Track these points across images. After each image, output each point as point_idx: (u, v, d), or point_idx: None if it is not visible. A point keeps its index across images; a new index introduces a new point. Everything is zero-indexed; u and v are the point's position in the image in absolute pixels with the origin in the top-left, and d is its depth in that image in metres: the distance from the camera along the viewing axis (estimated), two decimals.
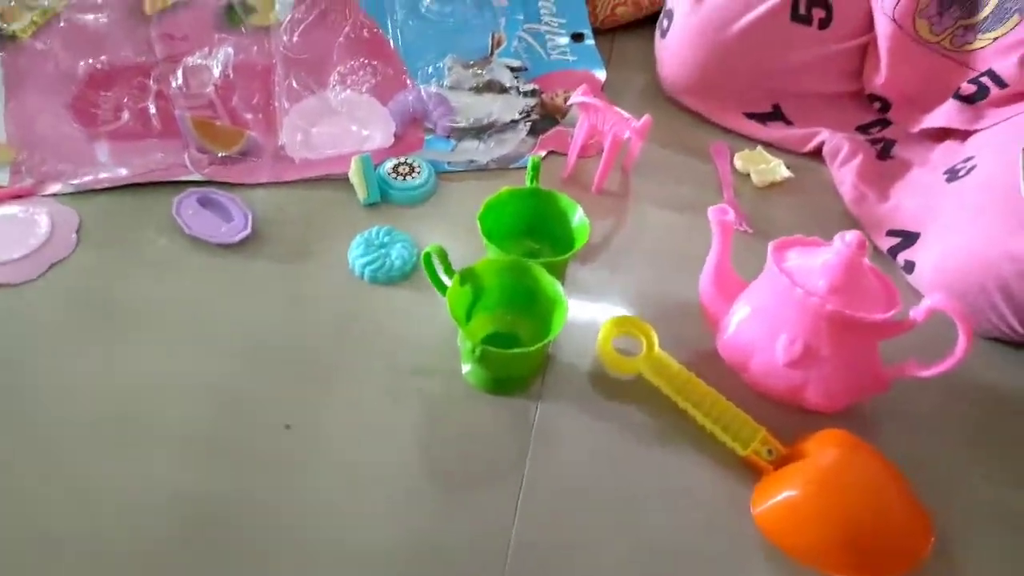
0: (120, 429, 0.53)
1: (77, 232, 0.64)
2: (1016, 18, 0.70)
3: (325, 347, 0.59)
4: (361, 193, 0.69)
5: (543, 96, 0.81)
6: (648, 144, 0.75)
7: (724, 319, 0.58)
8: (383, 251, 0.65)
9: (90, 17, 0.74)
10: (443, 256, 0.56)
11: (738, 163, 0.78)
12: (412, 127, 0.76)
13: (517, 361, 0.55)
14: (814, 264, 0.52)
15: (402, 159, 0.72)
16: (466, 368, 0.58)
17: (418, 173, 0.71)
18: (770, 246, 0.55)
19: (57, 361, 0.56)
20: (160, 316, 0.60)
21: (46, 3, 0.73)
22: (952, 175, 0.69)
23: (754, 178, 0.77)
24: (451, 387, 0.58)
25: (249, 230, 0.66)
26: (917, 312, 0.51)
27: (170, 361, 0.57)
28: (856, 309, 0.50)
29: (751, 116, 0.82)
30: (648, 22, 0.92)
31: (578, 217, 0.62)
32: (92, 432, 0.53)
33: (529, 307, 0.58)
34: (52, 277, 0.61)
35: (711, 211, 0.56)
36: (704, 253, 0.68)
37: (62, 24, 0.73)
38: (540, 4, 0.88)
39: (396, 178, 0.70)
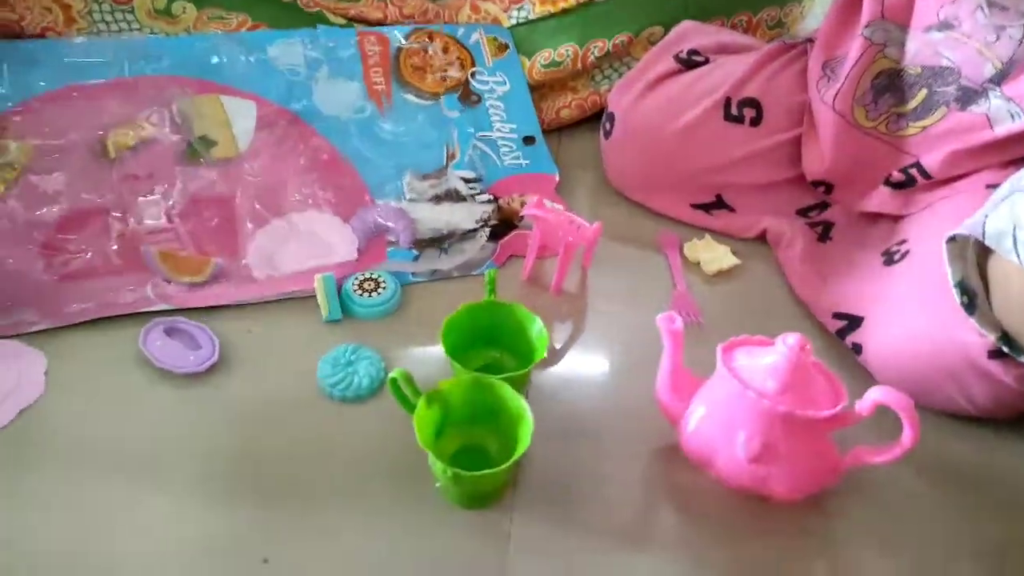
0: (94, 570, 0.52)
1: (45, 374, 0.64)
2: (943, 109, 0.73)
3: (298, 472, 0.59)
4: (324, 311, 0.70)
5: (500, 202, 0.82)
6: (602, 239, 0.76)
7: (683, 419, 0.59)
8: (350, 369, 0.65)
9: (55, 166, 0.74)
10: (408, 380, 0.56)
11: (687, 253, 0.80)
12: (375, 241, 0.77)
13: (487, 480, 0.55)
14: (760, 365, 0.54)
15: (367, 274, 0.72)
16: (436, 485, 0.58)
17: (384, 288, 0.71)
18: (719, 349, 0.56)
19: (28, 509, 0.55)
20: (131, 455, 0.59)
21: (11, 159, 0.74)
22: (888, 258, 0.72)
23: (703, 267, 0.78)
24: (425, 505, 0.57)
25: (217, 357, 0.65)
26: (863, 406, 0.52)
27: (143, 500, 0.56)
28: (805, 407, 0.52)
29: (696, 206, 0.85)
30: (591, 120, 0.95)
31: (537, 329, 0.63)
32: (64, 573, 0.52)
33: (495, 421, 0.58)
34: (21, 424, 0.60)
35: (660, 320, 0.57)
36: (660, 348, 0.70)
37: (30, 178, 0.73)
38: (491, 112, 0.90)
39: (362, 295, 0.71)
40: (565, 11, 0.93)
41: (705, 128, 0.80)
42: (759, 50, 0.84)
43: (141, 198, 0.74)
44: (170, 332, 0.66)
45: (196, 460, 0.59)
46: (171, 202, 0.74)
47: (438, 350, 0.65)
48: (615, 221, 0.83)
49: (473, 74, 0.92)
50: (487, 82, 0.92)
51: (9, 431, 0.60)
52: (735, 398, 0.54)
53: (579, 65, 0.92)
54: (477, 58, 0.93)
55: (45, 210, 0.72)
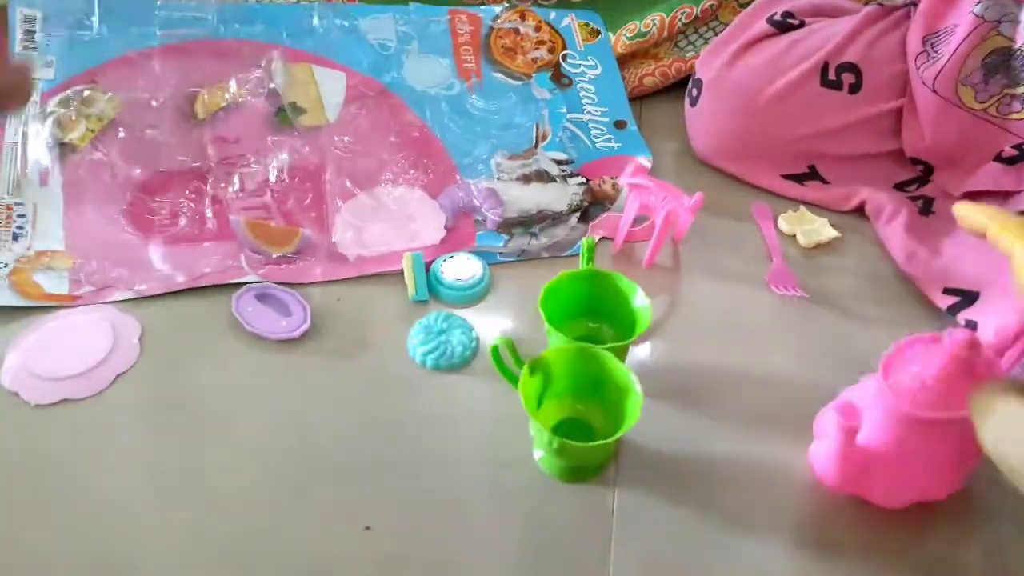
0: (192, 538, 0.51)
1: (139, 340, 0.63)
2: None
3: (395, 439, 0.57)
4: (411, 290, 0.67)
5: (591, 183, 0.78)
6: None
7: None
8: (442, 338, 0.63)
9: (145, 124, 0.73)
10: (512, 348, 0.54)
11: (782, 225, 0.76)
12: (463, 221, 0.74)
13: (594, 452, 0.52)
14: (931, 376, 0.46)
15: (456, 255, 0.70)
16: (538, 455, 0.56)
17: (473, 273, 0.68)
18: (879, 381, 0.48)
19: (126, 474, 0.54)
20: (227, 421, 0.57)
21: (99, 110, 0.73)
22: None
23: (800, 239, 0.74)
24: (524, 477, 0.55)
25: (308, 324, 0.64)
26: None
27: (241, 466, 0.54)
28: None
29: (788, 177, 0.81)
30: (673, 88, 0.92)
31: (639, 299, 0.60)
32: (164, 540, 0.51)
33: (598, 393, 0.56)
34: (117, 389, 0.59)
35: (832, 414, 0.49)
36: (761, 321, 0.67)
37: (120, 134, 0.72)
38: (581, 95, 0.86)
39: (450, 277, 0.67)
40: None
41: (800, 94, 0.76)
42: (857, 13, 0.80)
43: (242, 168, 0.73)
44: (261, 298, 0.65)
45: (292, 427, 0.57)
46: (273, 175, 0.73)
47: (527, 328, 0.63)
48: (702, 191, 0.80)
49: (564, 57, 0.89)
50: (578, 65, 0.89)
51: (106, 396, 0.59)
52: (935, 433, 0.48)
53: (665, 33, 0.88)
54: (568, 42, 0.90)
55: (138, 170, 0.71)
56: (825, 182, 0.81)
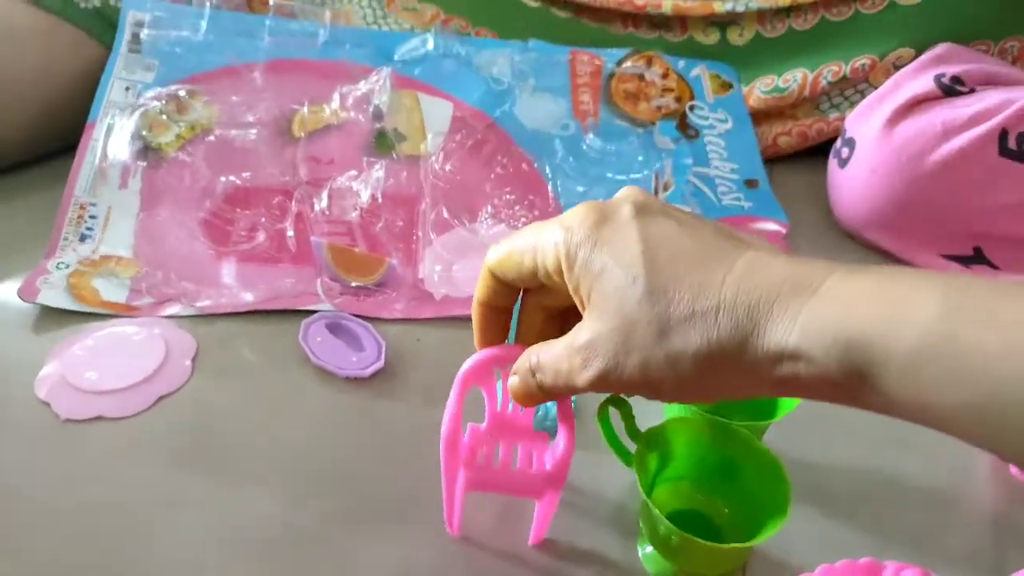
0: None
1: (192, 360, 0.55)
2: None
3: (469, 512, 0.47)
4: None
5: None
6: None
7: None
8: None
9: (238, 133, 0.67)
10: (628, 412, 0.44)
11: None
12: None
13: (725, 557, 0.41)
14: None
15: None
16: (644, 551, 0.45)
17: None
18: None
19: (156, 507, 0.45)
20: (272, 464, 0.48)
21: (194, 118, 0.69)
22: None
23: None
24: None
25: (382, 363, 0.55)
26: None
27: (275, 514, 0.45)
28: None
29: (950, 257, 0.69)
30: (809, 153, 0.82)
31: None
32: None
33: (726, 482, 0.44)
34: (158, 412, 0.50)
35: None
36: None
37: (211, 138, 0.67)
38: (709, 148, 0.77)
39: None
40: (796, 31, 0.81)
41: (974, 162, 0.65)
42: None
43: (336, 180, 0.66)
44: (333, 329, 0.56)
45: (348, 481, 0.47)
46: (365, 196, 0.65)
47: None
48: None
49: (691, 107, 0.80)
50: (707, 118, 0.80)
51: (144, 417, 0.50)
52: None
53: (806, 91, 0.79)
54: (697, 92, 0.81)
55: (222, 178, 0.65)
56: (994, 267, 0.68)
